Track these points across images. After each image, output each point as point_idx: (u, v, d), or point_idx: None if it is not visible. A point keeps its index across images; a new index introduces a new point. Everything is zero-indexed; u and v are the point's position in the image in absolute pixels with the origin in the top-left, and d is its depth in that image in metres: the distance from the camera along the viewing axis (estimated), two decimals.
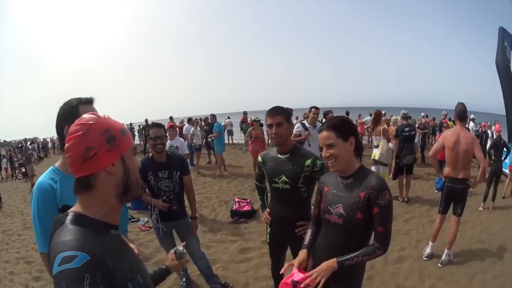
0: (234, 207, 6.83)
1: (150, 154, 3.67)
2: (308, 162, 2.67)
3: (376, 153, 7.55)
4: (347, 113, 16.80)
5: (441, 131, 12.78)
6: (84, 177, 1.05)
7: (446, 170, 4.60)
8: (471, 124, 14.57)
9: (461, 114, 4.55)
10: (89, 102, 1.77)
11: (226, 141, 18.52)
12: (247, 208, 6.75)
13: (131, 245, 3.19)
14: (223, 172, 11.30)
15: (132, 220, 6.78)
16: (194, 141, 11.71)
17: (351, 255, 1.98)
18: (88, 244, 0.94)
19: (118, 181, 1.09)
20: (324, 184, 2.28)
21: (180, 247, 1.90)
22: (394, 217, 6.03)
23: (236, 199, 7.14)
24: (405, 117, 8.18)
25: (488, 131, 12.23)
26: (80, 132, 1.03)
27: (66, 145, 1.05)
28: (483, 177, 4.63)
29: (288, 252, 2.99)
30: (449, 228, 4.61)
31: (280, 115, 2.69)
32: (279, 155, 2.81)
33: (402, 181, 7.48)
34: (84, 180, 1.05)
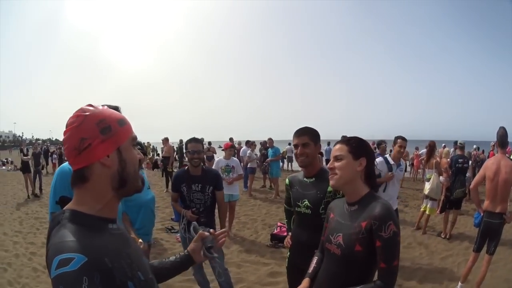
0: (275, 231, 6.80)
1: (186, 167, 3.85)
2: (330, 188, 2.54)
3: (427, 187, 7.32)
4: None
5: None
6: (80, 169, 1.04)
7: (485, 203, 4.31)
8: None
9: (502, 139, 4.22)
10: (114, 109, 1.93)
11: (286, 168, 18.55)
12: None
13: (133, 237, 3.11)
14: (275, 197, 11.27)
15: (172, 231, 7.13)
16: (249, 164, 11.90)
17: None
18: (85, 244, 0.92)
19: (113, 172, 1.05)
20: (330, 211, 2.14)
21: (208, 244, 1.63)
22: (432, 254, 6.14)
23: (279, 224, 7.12)
24: (461, 147, 7.79)
25: None
26: (75, 124, 1.03)
27: (63, 137, 1.05)
28: None
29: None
30: (479, 267, 4.35)
31: (306, 135, 2.63)
32: (305, 179, 2.75)
33: (447, 217, 7.18)
34: (79, 173, 1.04)
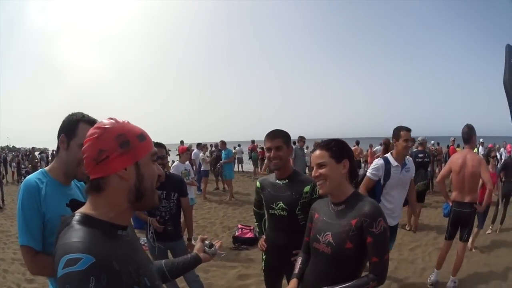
0: (237, 233, 6.78)
1: None
2: (307, 188, 2.59)
3: None
4: (357, 143, 16.84)
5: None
6: (96, 179, 1.05)
7: (453, 194, 4.51)
8: (480, 148, 14.36)
9: (466, 136, 4.44)
10: (91, 123, 1.78)
11: (236, 169, 18.67)
12: (249, 235, 6.67)
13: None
14: (230, 199, 11.29)
15: None
16: (202, 167, 11.80)
17: (342, 286, 1.84)
18: (94, 246, 0.92)
19: (130, 186, 1.07)
20: (314, 211, 2.17)
21: (215, 244, 1.77)
22: (400, 246, 6.12)
23: (239, 226, 7.09)
24: (421, 143, 8.20)
25: (497, 154, 11.99)
26: (96, 135, 1.05)
27: (84, 146, 1.07)
28: (490, 199, 4.54)
29: (284, 281, 2.84)
30: (455, 255, 4.49)
31: (279, 138, 2.62)
32: (277, 181, 2.73)
33: (408, 206, 7.26)
34: (95, 182, 1.05)
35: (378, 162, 3.97)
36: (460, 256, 4.39)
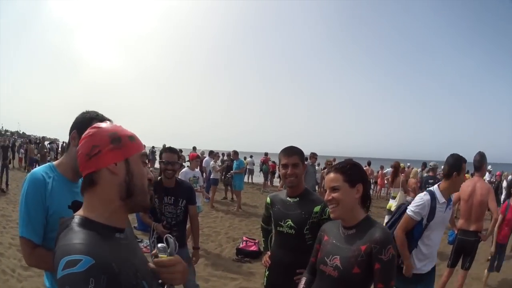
0: (241, 245, 6.75)
1: (159, 178, 3.63)
2: (317, 208, 2.56)
3: (392, 204, 7.42)
4: (369, 163, 16.71)
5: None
6: (89, 174, 1.09)
7: (459, 222, 4.49)
8: (487, 174, 14.24)
9: (477, 164, 4.46)
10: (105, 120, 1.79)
11: (246, 180, 18.67)
12: (253, 248, 6.66)
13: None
14: (237, 210, 11.23)
15: (137, 240, 6.76)
16: (212, 175, 11.79)
17: None
18: (93, 248, 0.94)
19: (120, 181, 1.10)
20: (324, 233, 2.13)
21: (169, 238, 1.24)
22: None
23: (244, 238, 7.07)
24: (433, 169, 8.17)
25: (504, 181, 11.85)
26: (89, 134, 1.12)
27: (78, 146, 1.13)
28: (494, 228, 4.61)
29: None
30: (455, 282, 4.50)
31: (296, 155, 2.61)
32: (288, 198, 2.71)
33: None
34: (88, 177, 1.09)
35: (423, 198, 3.24)
36: (460, 284, 4.42)
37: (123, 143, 1.11)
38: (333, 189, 1.92)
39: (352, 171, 1.94)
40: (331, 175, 1.95)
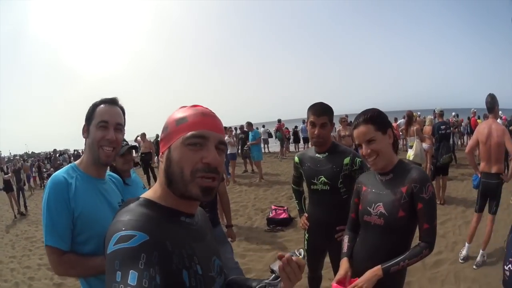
0: (271, 215, 6.76)
1: None
2: (346, 160, 2.54)
3: (410, 154, 7.47)
4: None
5: (472, 131, 12.65)
6: None
7: (481, 165, 4.55)
8: (498, 121, 14.18)
9: (489, 105, 4.50)
10: (109, 102, 1.78)
11: (262, 150, 18.77)
12: (284, 215, 6.66)
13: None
14: (260, 181, 11.29)
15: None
16: (228, 150, 11.77)
17: (397, 260, 1.81)
18: (148, 225, 0.93)
19: (162, 169, 1.07)
20: (362, 184, 2.12)
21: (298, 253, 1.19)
22: None
23: (273, 207, 7.06)
24: (441, 114, 8.16)
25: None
26: None
27: None
28: None
29: (327, 259, 2.85)
30: (484, 228, 4.54)
31: (325, 115, 2.53)
32: (317, 155, 2.68)
33: (438, 183, 7.37)
34: None
35: None
36: (489, 229, 4.43)
37: (168, 130, 1.08)
38: (369, 142, 1.88)
39: (380, 118, 1.93)
40: (362, 128, 1.91)
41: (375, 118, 1.90)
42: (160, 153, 1.08)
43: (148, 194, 1.09)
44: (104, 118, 1.73)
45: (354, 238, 2.16)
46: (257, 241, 5.93)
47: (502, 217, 6.02)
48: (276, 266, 1.16)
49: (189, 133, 1.03)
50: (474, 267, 4.39)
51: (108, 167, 2.13)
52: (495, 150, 4.35)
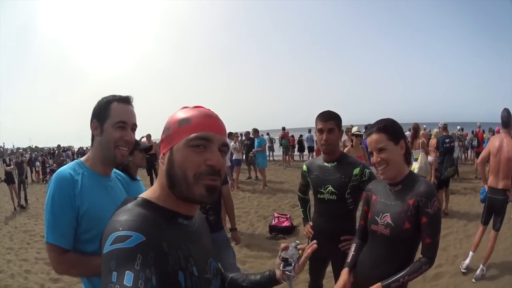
0: (273, 222, 6.74)
1: None
2: (356, 171, 2.52)
3: (415, 167, 7.50)
4: None
5: (479, 144, 12.85)
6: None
7: (489, 179, 4.55)
8: None
9: (505, 120, 4.48)
10: (124, 100, 1.75)
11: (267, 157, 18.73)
12: (286, 223, 6.66)
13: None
14: (263, 188, 11.27)
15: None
16: (234, 156, 11.80)
17: (397, 276, 1.83)
18: (145, 226, 0.92)
19: (163, 171, 1.05)
20: (371, 192, 2.14)
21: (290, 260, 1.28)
22: None
23: (276, 214, 7.06)
24: (445, 128, 8.21)
25: None
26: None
27: None
28: None
29: (329, 269, 2.85)
30: (486, 242, 4.56)
31: (333, 120, 2.54)
32: (325, 163, 2.66)
33: (441, 195, 7.40)
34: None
35: None
36: (491, 245, 4.43)
37: (170, 131, 1.06)
38: (380, 150, 1.90)
39: (393, 128, 1.94)
40: (374, 136, 1.93)
41: (388, 128, 1.93)
42: (161, 154, 1.07)
43: (147, 194, 1.08)
44: (123, 118, 1.71)
45: (361, 247, 2.18)
46: (258, 248, 5.90)
47: (503, 231, 5.94)
48: (288, 255, 1.28)
49: (193, 135, 1.02)
50: (473, 280, 4.40)
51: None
52: (504, 165, 4.34)
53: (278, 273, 1.30)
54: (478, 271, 4.48)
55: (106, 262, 0.84)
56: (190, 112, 1.07)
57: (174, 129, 1.05)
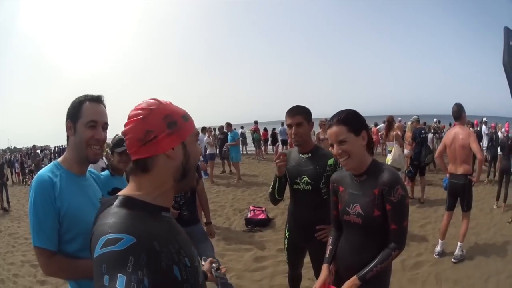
0: (249, 215, 6.78)
1: None
2: (330, 161, 2.59)
3: (389, 158, 7.58)
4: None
5: None
6: (142, 159, 1.06)
7: (449, 167, 4.88)
8: (483, 127, 14.57)
9: (456, 114, 4.82)
10: (95, 100, 1.77)
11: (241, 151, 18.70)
12: (262, 216, 6.70)
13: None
14: (238, 182, 11.33)
15: None
16: (208, 150, 11.79)
17: (370, 266, 1.88)
18: (135, 226, 0.92)
19: (177, 165, 1.08)
20: (338, 184, 2.16)
21: (215, 265, 1.74)
22: (410, 222, 6.09)
23: (251, 207, 7.10)
24: (418, 120, 8.89)
25: (499, 132, 12.16)
26: (141, 116, 1.05)
27: (125, 128, 1.07)
28: (481, 169, 4.97)
29: (307, 258, 2.88)
30: (459, 225, 4.83)
31: (300, 115, 2.61)
32: (300, 155, 2.71)
33: (424, 184, 7.92)
34: (141, 162, 1.06)
35: None
36: (465, 223, 4.74)
37: (179, 125, 1.08)
38: (341, 142, 1.90)
39: (354, 119, 1.94)
40: (334, 128, 1.92)
41: (348, 120, 1.92)
42: (169, 149, 1.06)
43: (127, 191, 1.08)
44: (94, 118, 1.74)
45: (338, 239, 2.22)
46: (236, 241, 5.92)
47: (485, 221, 6.30)
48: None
49: (195, 130, 1.15)
50: (453, 260, 4.56)
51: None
52: (460, 152, 4.63)
53: (209, 275, 1.58)
54: (456, 250, 4.65)
55: (98, 266, 0.83)
56: (180, 109, 1.14)
57: (182, 124, 1.09)
